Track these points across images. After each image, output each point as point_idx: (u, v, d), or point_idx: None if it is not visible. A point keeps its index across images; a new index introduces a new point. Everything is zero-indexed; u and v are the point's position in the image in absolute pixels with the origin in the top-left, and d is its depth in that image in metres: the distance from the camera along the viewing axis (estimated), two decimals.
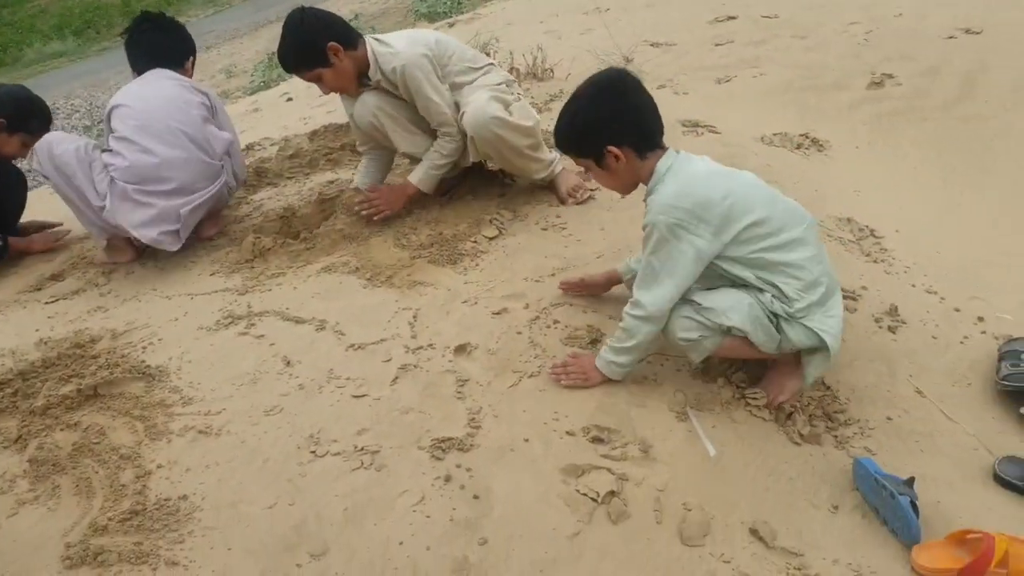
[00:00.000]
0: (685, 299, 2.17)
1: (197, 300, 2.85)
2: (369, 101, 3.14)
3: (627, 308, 2.23)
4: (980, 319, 2.66)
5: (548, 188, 3.26)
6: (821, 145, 3.60)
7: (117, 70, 14.70)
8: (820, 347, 2.18)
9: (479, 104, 2.96)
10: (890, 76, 4.05)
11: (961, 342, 2.58)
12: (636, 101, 2.22)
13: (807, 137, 3.64)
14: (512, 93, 3.12)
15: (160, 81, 3.24)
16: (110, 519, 1.98)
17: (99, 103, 12.56)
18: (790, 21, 4.87)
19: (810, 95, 4.00)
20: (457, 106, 3.05)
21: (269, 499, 2.01)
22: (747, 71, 4.27)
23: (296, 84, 6.14)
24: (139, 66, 3.33)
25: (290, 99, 5.52)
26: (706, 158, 2.28)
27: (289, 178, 3.79)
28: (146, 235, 3.01)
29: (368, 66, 3.05)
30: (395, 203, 3.16)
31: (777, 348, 2.19)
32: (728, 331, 2.15)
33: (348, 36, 3.04)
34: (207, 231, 3.30)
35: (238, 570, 1.84)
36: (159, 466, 2.13)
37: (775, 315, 2.15)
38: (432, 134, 3.12)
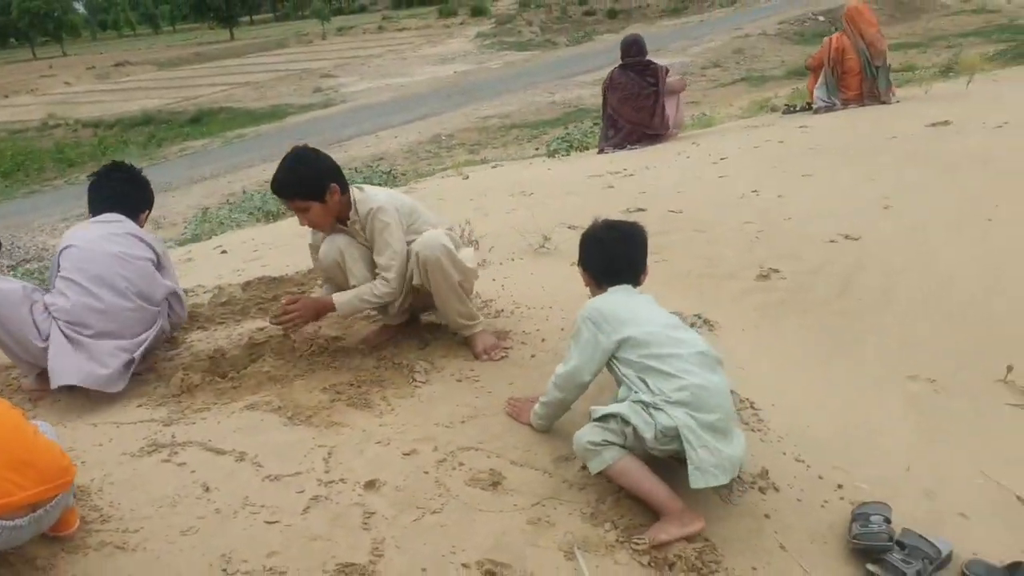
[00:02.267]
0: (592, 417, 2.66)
1: (123, 428, 3.00)
2: (339, 240, 3.46)
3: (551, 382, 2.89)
4: (840, 486, 2.97)
5: (466, 344, 3.53)
6: (712, 325, 3.99)
7: (43, 212, 14.90)
8: (687, 443, 2.54)
9: (434, 233, 3.34)
10: (776, 271, 4.52)
11: (822, 505, 2.87)
12: (609, 251, 3.01)
13: (700, 317, 4.03)
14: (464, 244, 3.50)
15: (111, 226, 3.48)
16: None
17: (20, 243, 12.64)
18: (693, 217, 5.39)
19: (706, 282, 4.43)
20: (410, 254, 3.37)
21: None
22: (652, 257, 4.65)
23: (229, 239, 6.42)
24: (96, 209, 3.57)
25: (224, 252, 5.79)
26: (644, 299, 2.98)
27: (220, 323, 4.00)
28: (84, 378, 3.14)
29: (347, 210, 3.38)
30: (308, 313, 3.41)
31: (654, 437, 2.54)
32: (623, 436, 2.57)
33: (344, 181, 3.40)
34: (136, 367, 3.46)
35: None
36: None
37: (646, 404, 2.59)
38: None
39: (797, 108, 9.83)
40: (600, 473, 2.64)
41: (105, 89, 45.05)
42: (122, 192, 3.68)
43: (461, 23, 55.97)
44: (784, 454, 3.12)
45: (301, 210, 3.37)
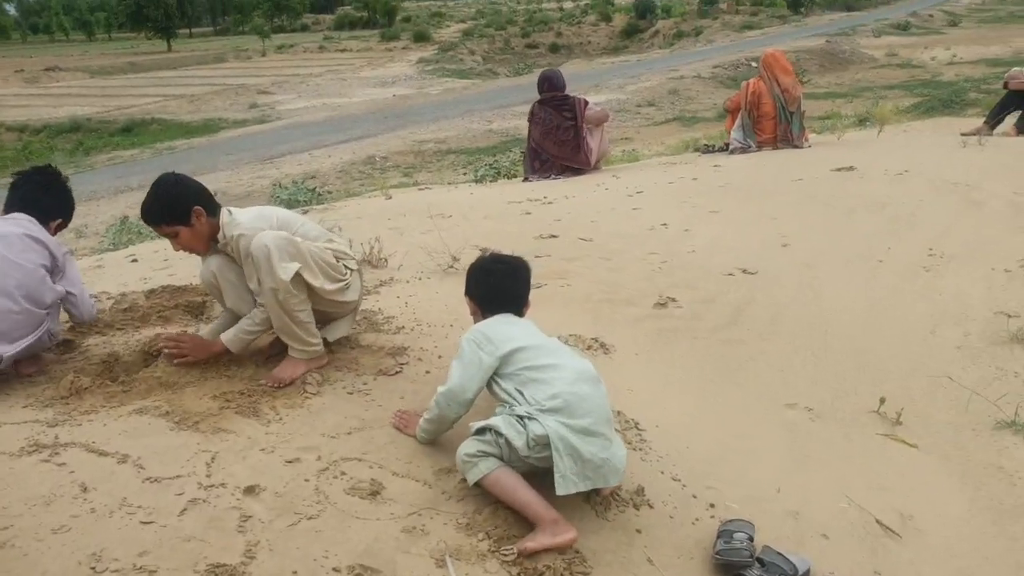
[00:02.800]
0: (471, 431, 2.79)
1: (5, 428, 2.99)
2: (212, 262, 3.51)
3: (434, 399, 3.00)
4: (712, 505, 3.11)
5: (352, 363, 3.58)
6: (607, 349, 4.12)
7: None
8: (555, 451, 2.67)
9: (270, 234, 3.27)
10: (674, 300, 4.70)
11: (692, 523, 3.01)
12: (493, 283, 3.23)
13: (597, 340, 4.17)
14: (340, 255, 3.52)
15: (8, 224, 3.46)
16: None
17: None
18: (601, 246, 5.56)
19: (605, 307, 4.58)
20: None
21: None
22: (557, 281, 4.85)
23: (143, 248, 6.38)
24: (8, 208, 3.58)
25: (135, 260, 5.75)
26: (522, 323, 3.16)
27: (119, 329, 4.00)
28: None
29: (217, 232, 3.42)
30: (199, 353, 3.44)
31: (526, 445, 2.67)
32: (498, 447, 2.69)
33: (211, 204, 3.43)
34: (26, 368, 3.44)
35: None
36: None
37: (520, 416, 2.72)
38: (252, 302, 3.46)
39: (715, 148, 10.17)
40: (477, 484, 2.74)
41: (33, 93, 44.03)
42: (36, 197, 3.66)
43: (403, 48, 56.22)
44: (662, 473, 3.26)
45: (171, 235, 3.42)
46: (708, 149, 10.36)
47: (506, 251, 5.31)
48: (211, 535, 2.48)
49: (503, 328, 3.03)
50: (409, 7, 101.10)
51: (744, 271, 5.17)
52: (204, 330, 3.69)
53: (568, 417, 2.72)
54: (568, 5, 74.02)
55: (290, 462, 2.88)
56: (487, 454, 2.70)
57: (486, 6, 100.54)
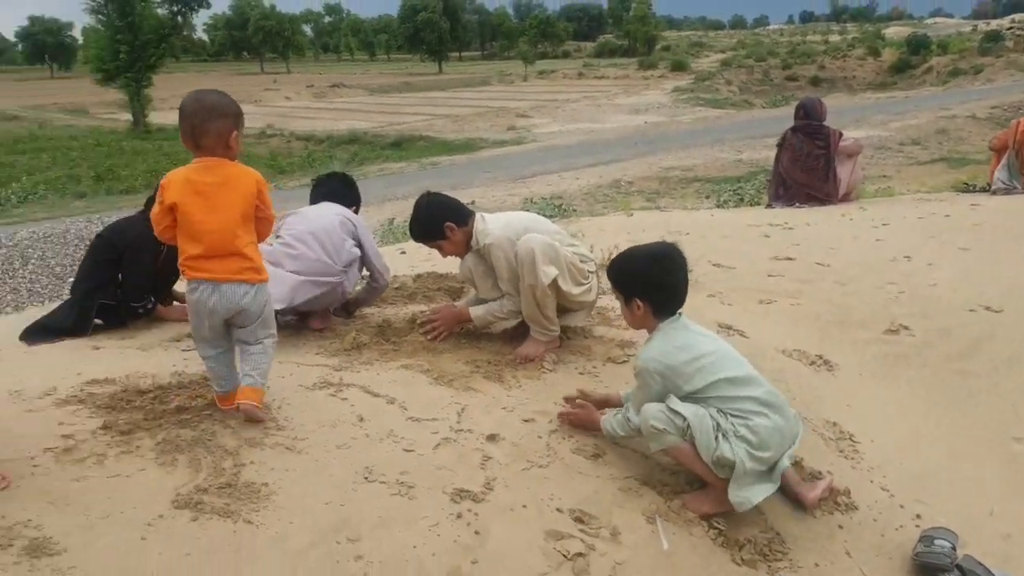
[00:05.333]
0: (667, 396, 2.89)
1: (302, 367, 3.64)
2: (469, 259, 4.05)
3: (627, 415, 3.07)
4: (918, 516, 3.22)
5: (585, 350, 3.98)
6: (831, 366, 4.26)
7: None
8: (734, 468, 2.82)
9: (538, 237, 3.76)
10: (907, 328, 4.71)
11: (896, 528, 3.14)
12: (673, 279, 3.04)
13: (821, 357, 4.31)
14: (581, 259, 3.92)
15: (323, 207, 4.32)
16: (210, 486, 2.68)
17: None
18: (838, 271, 5.62)
19: (834, 328, 4.69)
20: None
21: (327, 498, 2.69)
22: (787, 300, 5.01)
23: (410, 245, 7.12)
24: (315, 201, 4.47)
25: (403, 252, 6.51)
26: (697, 330, 3.06)
27: (391, 304, 4.65)
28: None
29: (471, 238, 3.96)
30: (450, 321, 4.03)
31: (712, 458, 2.82)
32: (685, 432, 2.82)
33: (461, 216, 3.98)
34: (316, 324, 4.13)
35: (293, 536, 2.51)
36: (251, 463, 2.85)
37: (718, 426, 2.82)
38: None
39: (975, 188, 9.69)
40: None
41: (320, 107, 48.56)
42: (337, 191, 4.59)
43: (660, 76, 56.60)
44: (871, 482, 3.40)
45: (436, 247, 4.09)
46: (968, 188, 9.89)
47: (740, 269, 5.57)
48: (458, 467, 2.95)
49: (683, 352, 2.93)
50: (669, 36, 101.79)
51: (987, 308, 5.06)
52: (459, 303, 4.24)
53: (757, 449, 2.83)
54: (835, 38, 71.53)
55: (526, 421, 3.31)
56: (671, 432, 2.85)
57: (748, 37, 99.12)
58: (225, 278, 2.99)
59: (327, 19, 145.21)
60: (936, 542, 2.95)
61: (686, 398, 2.90)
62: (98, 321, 4.34)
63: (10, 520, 2.44)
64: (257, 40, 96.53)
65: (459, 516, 2.70)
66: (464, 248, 4.02)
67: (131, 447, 2.90)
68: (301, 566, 2.41)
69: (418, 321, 4.12)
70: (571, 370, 3.81)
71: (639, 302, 3.01)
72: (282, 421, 3.15)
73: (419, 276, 5.19)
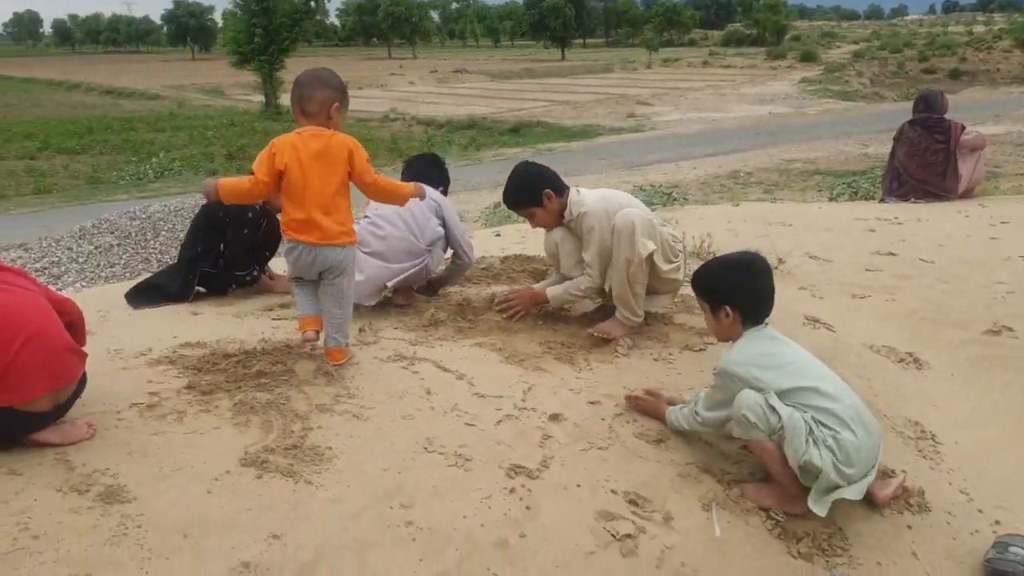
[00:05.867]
0: (762, 393, 2.81)
1: (380, 340, 3.76)
2: (556, 233, 4.08)
3: (696, 410, 3.06)
4: (997, 522, 3.08)
5: (663, 336, 3.96)
6: (920, 364, 4.10)
7: None
8: (819, 477, 2.74)
9: (637, 211, 3.79)
10: (1010, 329, 4.49)
11: (971, 533, 3.01)
12: (760, 287, 3.02)
13: (911, 355, 4.16)
14: (673, 239, 3.93)
15: None
16: (277, 447, 2.82)
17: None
18: (942, 269, 5.39)
19: (928, 326, 4.51)
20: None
21: (385, 465, 2.79)
22: (882, 295, 4.85)
23: (507, 228, 7.19)
24: (403, 179, 4.50)
25: (498, 235, 6.59)
26: (783, 341, 3.01)
27: (475, 283, 4.73)
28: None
29: (565, 210, 3.98)
30: (526, 302, 4.06)
31: (799, 462, 2.74)
32: (774, 432, 2.76)
33: (559, 186, 4.02)
34: (400, 300, 4.25)
35: (348, 499, 2.61)
36: (319, 427, 2.97)
37: (811, 432, 2.74)
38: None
39: None
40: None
41: (442, 92, 49.25)
42: (425, 172, 4.60)
43: (788, 67, 54.92)
44: (950, 484, 3.27)
45: (528, 216, 4.07)
46: None
47: (837, 262, 5.41)
48: (517, 444, 3.00)
49: (766, 359, 2.89)
50: (800, 26, 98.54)
51: None
52: (537, 285, 4.26)
53: (843, 464, 2.75)
54: (979, 29, 67.79)
55: (592, 403, 3.33)
56: (760, 428, 2.78)
57: (883, 28, 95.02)
58: (321, 242, 3.31)
59: (454, 5, 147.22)
60: (1011, 549, 2.82)
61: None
62: (202, 289, 4.58)
63: (90, 467, 2.63)
64: (386, 26, 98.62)
65: (512, 491, 2.75)
66: (556, 220, 4.04)
67: (210, 406, 3.07)
68: (353, 527, 2.51)
69: (496, 301, 4.18)
70: (646, 355, 3.80)
71: (728, 310, 2.98)
72: (353, 390, 3.26)
73: (506, 258, 5.24)
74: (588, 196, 3.99)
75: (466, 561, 2.46)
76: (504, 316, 4.05)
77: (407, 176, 4.61)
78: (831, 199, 10.90)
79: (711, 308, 3.05)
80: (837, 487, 2.77)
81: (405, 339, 3.81)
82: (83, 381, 2.84)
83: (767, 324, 3.02)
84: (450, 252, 4.45)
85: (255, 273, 4.58)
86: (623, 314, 3.88)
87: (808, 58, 56.71)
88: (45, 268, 9.95)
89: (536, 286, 4.22)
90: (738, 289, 2.99)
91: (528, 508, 2.69)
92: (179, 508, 2.50)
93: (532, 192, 3.99)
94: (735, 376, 2.88)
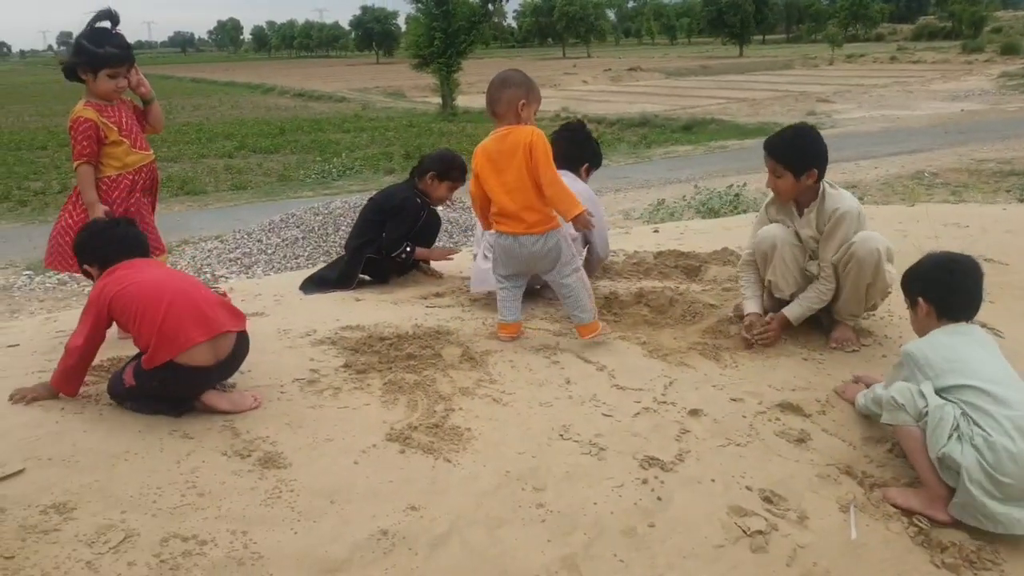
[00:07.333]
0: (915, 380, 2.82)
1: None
2: (778, 233, 3.77)
3: (878, 390, 3.03)
4: None
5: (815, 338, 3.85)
6: None
7: None
8: (959, 475, 2.64)
9: (877, 235, 3.62)
10: None
11: None
12: (961, 285, 3.00)
13: None
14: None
15: None
16: (420, 425, 2.97)
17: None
18: None
19: None
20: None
21: (520, 449, 2.88)
22: None
23: (666, 225, 7.15)
24: None
25: (656, 231, 6.56)
26: (978, 340, 2.95)
27: (625, 278, 4.75)
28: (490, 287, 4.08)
29: (812, 198, 3.71)
30: (778, 332, 3.78)
31: (937, 453, 2.66)
32: (920, 417, 2.72)
33: (824, 169, 3.69)
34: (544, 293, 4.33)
35: (483, 477, 2.72)
36: (460, 409, 3.10)
37: (957, 426, 2.66)
38: (791, 282, 3.78)
39: None
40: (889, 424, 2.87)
41: (615, 90, 49.10)
42: (563, 151, 4.36)
43: (986, 61, 51.35)
44: None
45: (776, 175, 3.69)
46: None
47: (1014, 265, 5.08)
48: (653, 436, 3.02)
49: (948, 351, 2.86)
50: (1003, 17, 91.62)
51: None
52: (747, 306, 3.92)
53: (993, 469, 2.62)
54: None
55: (734, 400, 3.30)
56: (907, 411, 2.75)
57: None
58: (519, 231, 3.61)
59: (631, 4, 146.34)
60: None
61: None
62: (366, 277, 4.84)
63: (253, 435, 2.87)
64: (561, 26, 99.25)
65: (644, 481, 2.77)
66: (791, 196, 3.76)
67: (362, 384, 3.27)
68: (485, 504, 2.61)
69: (754, 330, 3.79)
70: (794, 354, 3.72)
71: (922, 301, 3.02)
72: (495, 376, 3.38)
73: (660, 253, 5.23)
74: (847, 195, 3.73)
75: (593, 545, 2.52)
76: (758, 342, 3.76)
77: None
78: (1020, 200, 10.18)
79: (910, 301, 3.11)
80: (988, 494, 2.63)
81: (550, 330, 3.90)
82: (244, 344, 3.10)
83: (969, 323, 3.00)
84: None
85: (408, 250, 4.73)
86: (850, 319, 3.84)
87: (1010, 51, 52.85)
88: (237, 259, 10.75)
89: (748, 308, 3.92)
90: (934, 283, 3.02)
91: (659, 499, 2.70)
92: (328, 476, 2.69)
93: (802, 160, 3.63)
94: (911, 358, 2.90)
